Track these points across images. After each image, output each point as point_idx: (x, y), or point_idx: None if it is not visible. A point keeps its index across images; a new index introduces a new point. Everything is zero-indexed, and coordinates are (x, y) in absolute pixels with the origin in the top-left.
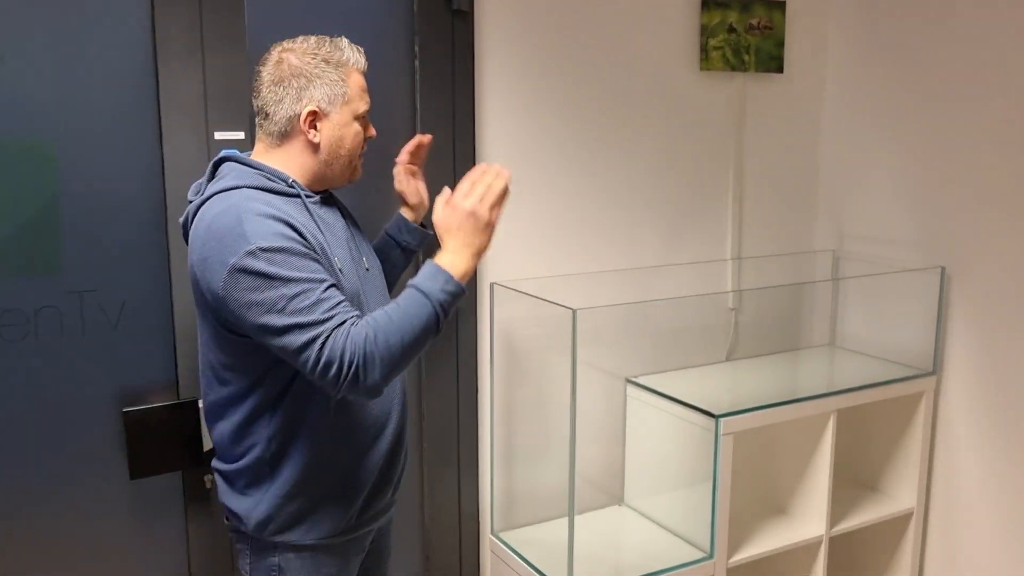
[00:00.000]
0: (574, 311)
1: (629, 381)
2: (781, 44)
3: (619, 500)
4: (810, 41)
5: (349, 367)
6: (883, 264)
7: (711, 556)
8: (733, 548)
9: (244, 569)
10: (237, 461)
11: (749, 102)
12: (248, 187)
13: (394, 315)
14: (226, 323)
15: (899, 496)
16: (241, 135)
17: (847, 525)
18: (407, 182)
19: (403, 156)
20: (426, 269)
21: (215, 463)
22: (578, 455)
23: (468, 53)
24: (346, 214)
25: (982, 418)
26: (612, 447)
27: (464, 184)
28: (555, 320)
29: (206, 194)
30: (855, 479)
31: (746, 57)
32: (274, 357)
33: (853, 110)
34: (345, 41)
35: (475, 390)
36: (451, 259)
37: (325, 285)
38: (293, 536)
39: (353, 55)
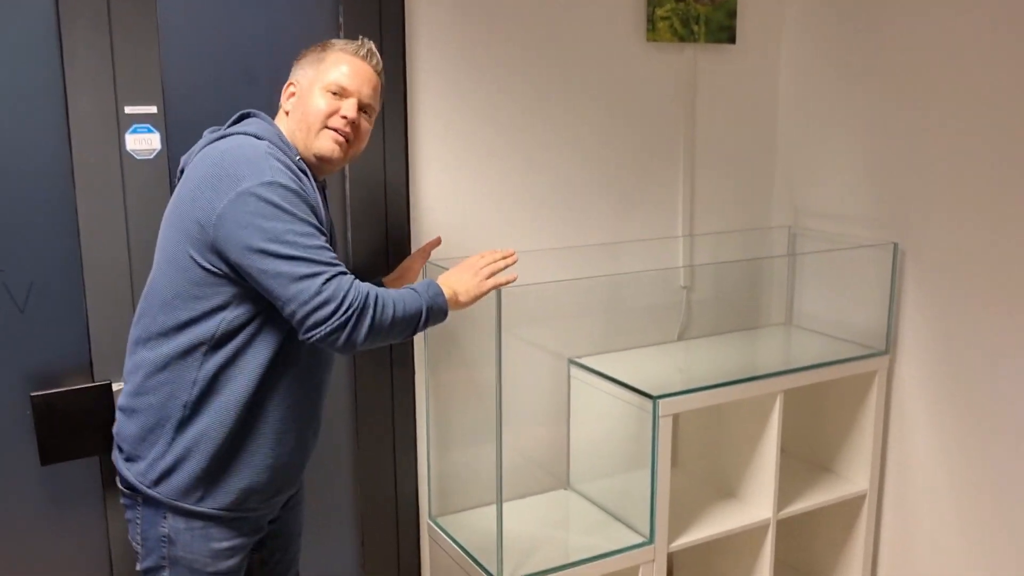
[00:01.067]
0: (499, 289)
1: (572, 362)
2: (733, 14)
3: (564, 483)
4: (763, 11)
5: (346, 311)
6: (840, 241)
7: (651, 541)
8: (676, 532)
9: (135, 539)
10: (147, 395)
11: (700, 75)
12: (271, 143)
13: (393, 294)
14: (205, 246)
15: (853, 478)
16: (154, 109)
17: (796, 508)
18: (414, 264)
19: (424, 247)
20: (423, 281)
21: (118, 409)
22: (522, 437)
23: (398, 19)
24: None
25: (936, 398)
26: (557, 429)
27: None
28: (492, 298)
29: (226, 133)
30: (809, 460)
31: (695, 27)
32: (232, 296)
33: (809, 83)
34: (364, 39)
35: (411, 371)
36: (443, 283)
37: (325, 240)
38: (188, 501)
39: (348, 44)
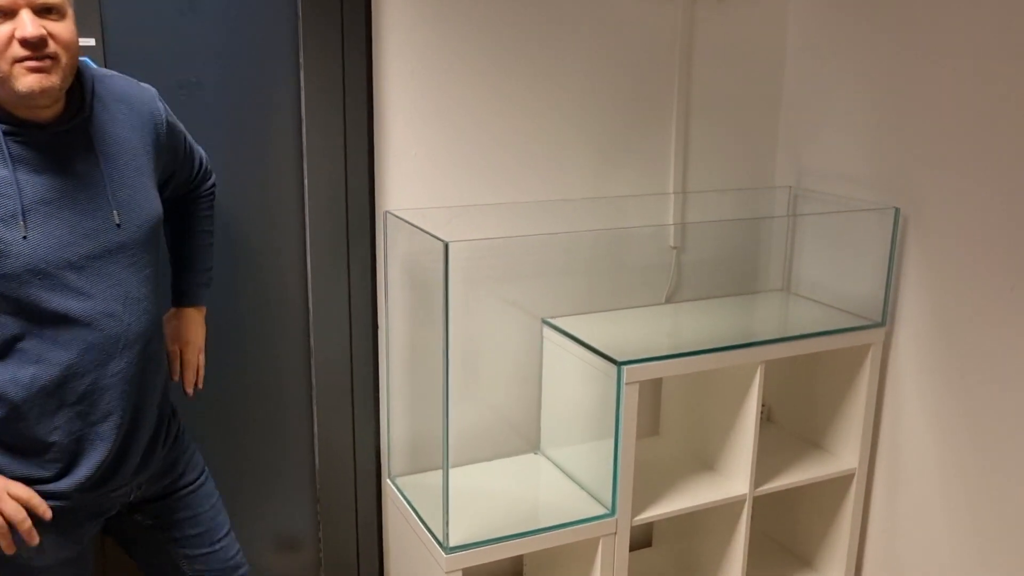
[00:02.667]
0: (446, 243)
1: (545, 322)
2: None
3: (535, 447)
4: None
5: None
6: (845, 205)
7: (612, 513)
8: (645, 504)
9: None
10: None
11: (699, 20)
12: None
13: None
14: None
15: (842, 455)
16: (92, 42)
17: (776, 484)
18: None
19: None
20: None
21: None
22: (495, 398)
23: None
24: (106, 157)
25: (933, 375)
26: (530, 391)
27: None
28: (462, 254)
29: None
30: (799, 434)
31: None
32: None
33: (820, 33)
34: None
35: (371, 326)
36: None
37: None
38: None
39: None
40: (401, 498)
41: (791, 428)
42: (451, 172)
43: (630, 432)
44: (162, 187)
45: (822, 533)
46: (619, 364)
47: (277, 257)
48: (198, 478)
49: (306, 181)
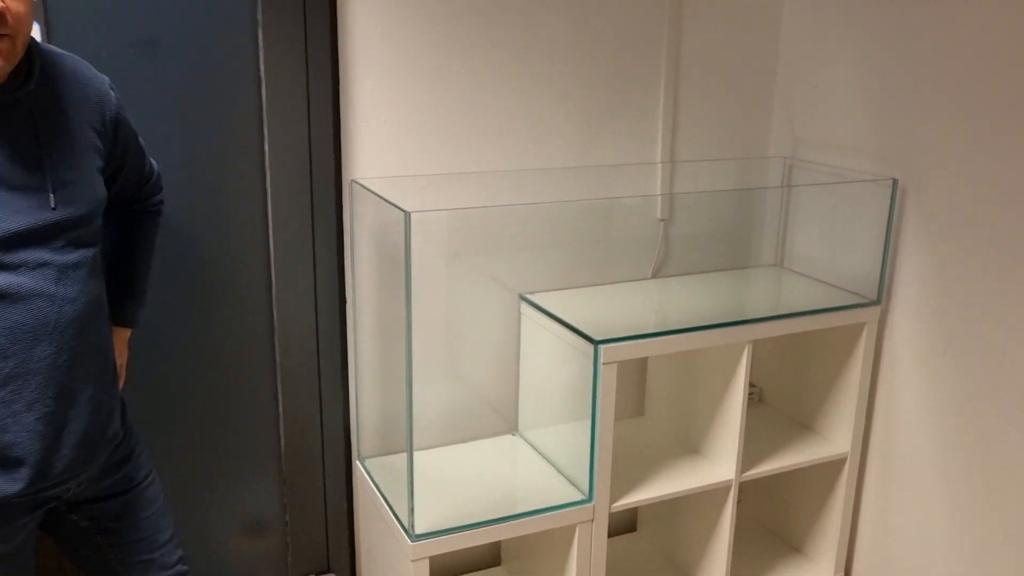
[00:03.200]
0: (407, 213)
1: (523, 298)
2: None
3: (513, 428)
4: None
5: None
6: (844, 177)
7: (589, 499)
8: (625, 489)
9: None
10: None
11: None
12: None
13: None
14: None
15: (834, 439)
16: None
17: (764, 469)
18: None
19: None
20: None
21: None
22: (473, 377)
23: None
24: (45, 129)
25: (931, 355)
26: (507, 370)
27: None
28: (436, 225)
29: None
30: (791, 416)
31: None
32: None
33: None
34: None
35: (338, 301)
36: None
37: None
38: None
39: None
40: (369, 481)
41: (782, 410)
42: (425, 139)
43: (608, 415)
44: (107, 185)
45: (812, 519)
46: (596, 343)
47: (237, 229)
48: (142, 481)
49: (267, 148)
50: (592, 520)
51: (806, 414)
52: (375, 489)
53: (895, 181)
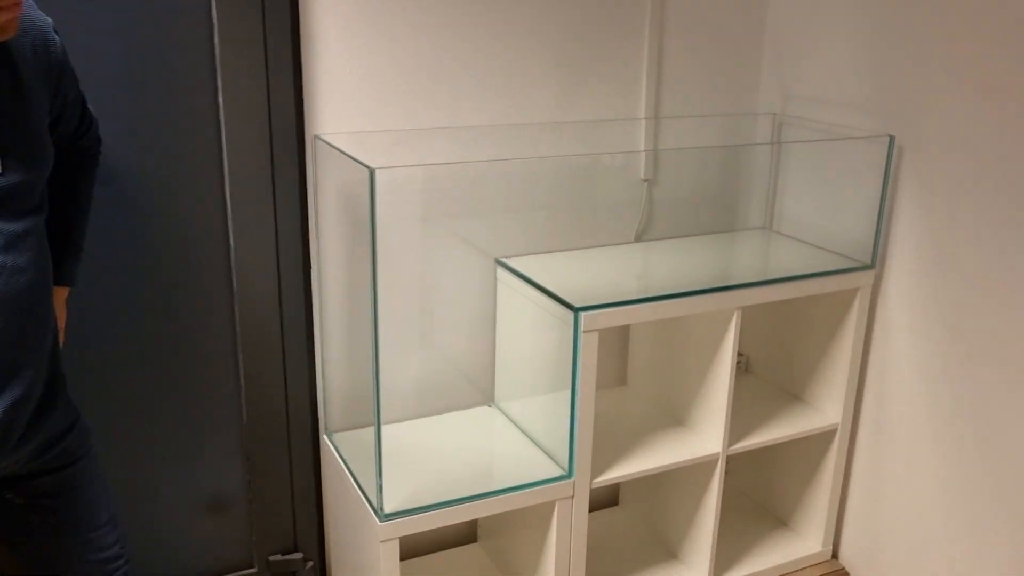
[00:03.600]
0: (371, 170)
1: (499, 262)
2: None
3: (489, 400)
4: None
5: None
6: (834, 134)
7: (569, 475)
8: (607, 464)
9: None
10: None
11: None
12: None
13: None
14: None
15: (824, 409)
16: None
17: (752, 442)
18: None
19: None
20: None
21: None
22: (446, 346)
23: None
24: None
25: (926, 322)
26: (483, 339)
27: None
28: (406, 184)
29: None
30: (780, 386)
31: None
32: None
33: None
34: None
35: (302, 264)
36: None
37: None
38: None
39: None
40: (337, 456)
41: (770, 379)
42: (395, 93)
43: (589, 386)
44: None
45: (800, 492)
46: (576, 310)
47: (190, 187)
48: (82, 457)
49: (221, 100)
50: (572, 496)
51: (795, 384)
52: (343, 465)
53: (892, 138)
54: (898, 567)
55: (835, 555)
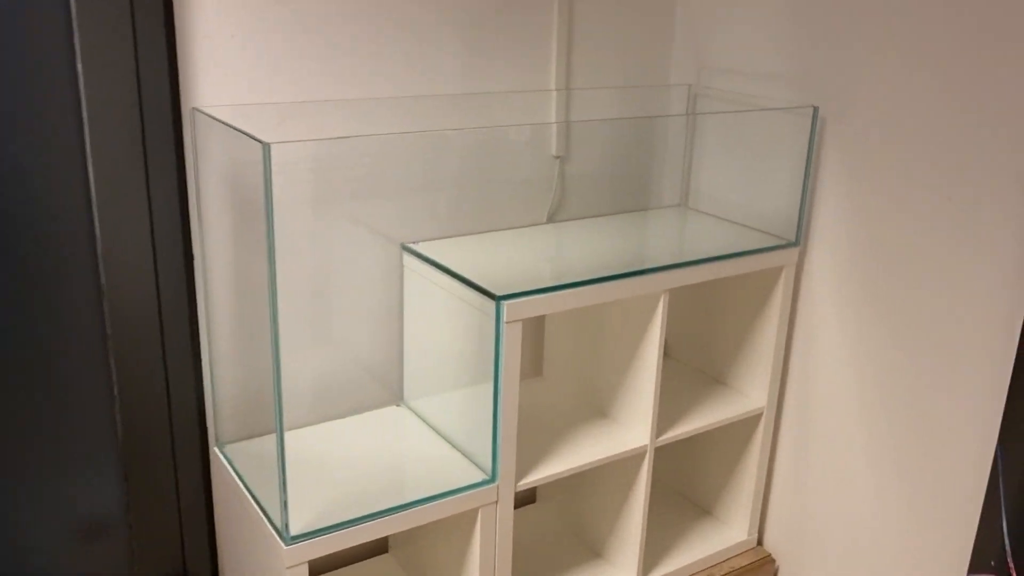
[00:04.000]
0: (266, 145)
1: (405, 248)
2: None
3: (398, 398)
4: None
5: None
6: (751, 105)
7: (493, 479)
8: (529, 464)
9: None
10: None
11: None
12: None
13: None
14: None
15: (749, 393)
16: None
17: (679, 432)
18: None
19: None
20: None
21: None
22: (349, 341)
23: None
24: None
25: (853, 300)
26: (389, 332)
27: None
28: (299, 164)
29: None
30: (700, 371)
31: None
32: None
33: None
34: None
35: (183, 256)
36: None
37: None
38: None
39: None
40: (231, 471)
41: (690, 364)
42: (284, 61)
43: (512, 382)
44: None
45: (725, 479)
46: (498, 299)
47: (45, 170)
48: None
49: (80, 67)
50: (496, 502)
51: (716, 367)
52: (238, 481)
53: (815, 109)
54: (825, 550)
55: (760, 542)
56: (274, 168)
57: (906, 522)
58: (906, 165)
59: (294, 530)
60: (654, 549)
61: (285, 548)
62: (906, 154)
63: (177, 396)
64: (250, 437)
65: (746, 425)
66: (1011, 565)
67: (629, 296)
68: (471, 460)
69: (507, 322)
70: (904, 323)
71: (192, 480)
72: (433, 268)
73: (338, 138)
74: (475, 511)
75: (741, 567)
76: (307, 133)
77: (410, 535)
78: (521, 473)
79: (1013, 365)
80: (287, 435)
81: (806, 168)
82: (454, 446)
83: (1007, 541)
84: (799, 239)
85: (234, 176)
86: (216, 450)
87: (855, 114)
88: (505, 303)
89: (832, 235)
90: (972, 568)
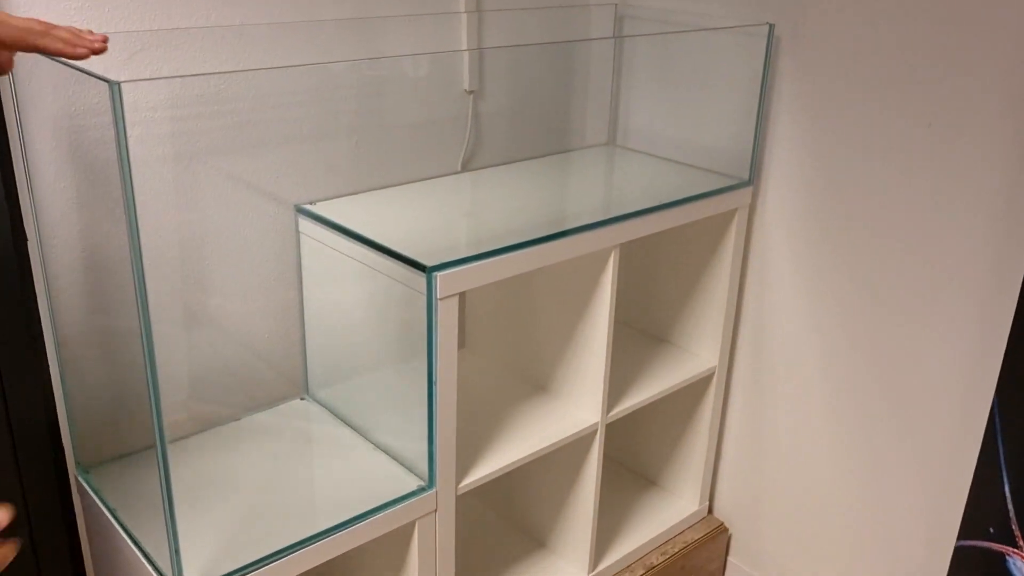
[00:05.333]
0: (115, 84)
1: (299, 209)
2: None
3: (302, 391)
4: None
5: None
6: (686, 25)
7: (431, 485)
8: (470, 460)
9: None
10: None
11: None
12: None
13: None
14: None
15: (698, 352)
16: None
17: (630, 404)
18: None
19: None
20: None
21: None
22: (237, 326)
23: None
24: None
25: (810, 241)
26: (287, 311)
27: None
28: (161, 111)
29: None
30: (645, 331)
31: None
32: None
33: None
34: None
35: (13, 238)
36: None
37: None
38: None
39: None
40: (99, 502)
41: (632, 323)
42: None
43: (449, 369)
44: None
45: (673, 446)
46: (429, 270)
47: None
48: None
49: None
50: (435, 511)
51: (661, 326)
52: (109, 516)
53: (771, 27)
54: (780, 514)
55: (711, 510)
56: (128, 117)
57: (873, 484)
58: (877, 88)
59: None
60: (601, 534)
61: None
62: (877, 76)
63: (18, 413)
64: (120, 456)
65: (695, 387)
66: (1017, 532)
67: (578, 255)
68: (400, 463)
69: (441, 298)
70: (870, 266)
71: (48, 515)
72: (338, 234)
73: (204, 74)
74: (411, 524)
75: (695, 540)
76: (166, 70)
77: (334, 560)
78: (463, 473)
79: (1016, 302)
80: (170, 448)
81: (760, 98)
82: (377, 447)
83: (1010, 504)
84: (752, 178)
85: (73, 130)
86: (77, 476)
87: (814, 30)
88: (438, 275)
89: (788, 172)
90: (964, 535)
